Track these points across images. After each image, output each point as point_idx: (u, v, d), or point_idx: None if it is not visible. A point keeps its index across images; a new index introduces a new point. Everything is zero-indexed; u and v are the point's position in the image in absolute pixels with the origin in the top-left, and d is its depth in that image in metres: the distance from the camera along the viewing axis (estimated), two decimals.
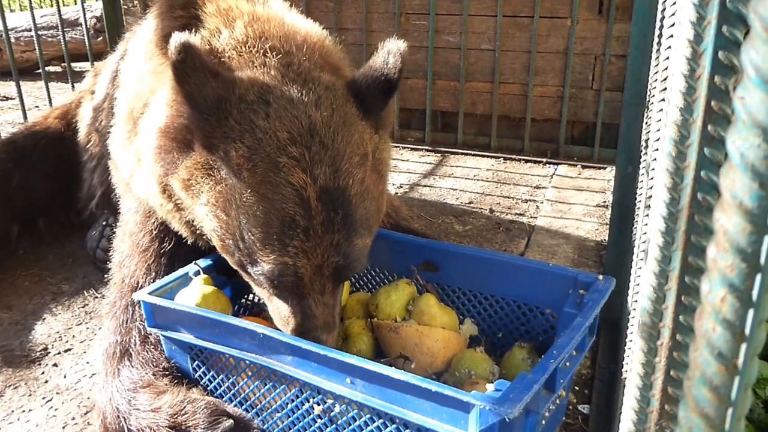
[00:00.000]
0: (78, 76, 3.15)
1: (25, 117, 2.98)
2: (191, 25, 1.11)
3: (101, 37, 4.10)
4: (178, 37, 0.91)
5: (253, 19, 1.08)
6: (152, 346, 1.19)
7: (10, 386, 1.42)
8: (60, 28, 3.17)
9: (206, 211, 1.02)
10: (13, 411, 1.33)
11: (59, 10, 3.23)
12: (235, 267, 1.05)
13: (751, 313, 0.34)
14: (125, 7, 3.18)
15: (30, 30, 4.26)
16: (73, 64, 3.48)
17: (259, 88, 0.98)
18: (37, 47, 3.07)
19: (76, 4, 5.26)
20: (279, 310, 1.04)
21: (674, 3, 0.74)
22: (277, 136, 0.94)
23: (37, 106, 3.77)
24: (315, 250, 0.95)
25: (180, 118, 1.01)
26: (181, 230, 1.18)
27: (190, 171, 1.01)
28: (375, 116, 1.06)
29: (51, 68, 4.72)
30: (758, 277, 0.33)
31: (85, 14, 3.30)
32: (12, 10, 6.38)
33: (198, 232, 1.12)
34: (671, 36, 0.78)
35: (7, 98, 4.12)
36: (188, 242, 1.21)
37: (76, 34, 4.56)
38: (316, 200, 0.93)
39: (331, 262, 0.96)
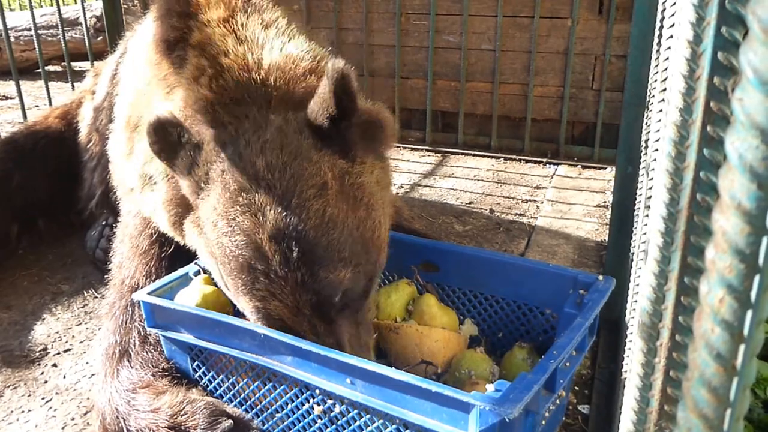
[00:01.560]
0: (78, 75, 3.15)
1: (25, 116, 2.98)
2: (182, 44, 1.13)
3: (101, 37, 4.10)
4: (152, 120, 0.99)
5: (217, 73, 1.06)
6: (152, 347, 1.19)
7: (9, 386, 1.42)
8: (60, 27, 3.17)
9: (205, 262, 1.10)
10: (12, 411, 1.33)
11: (59, 10, 3.23)
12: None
13: (749, 314, 0.34)
14: (125, 6, 3.18)
15: (30, 29, 4.26)
16: (73, 64, 3.48)
17: (218, 146, 1.02)
18: (36, 47, 3.07)
19: (76, 3, 5.27)
20: None
21: (674, 3, 0.74)
22: (229, 189, 0.98)
23: (36, 106, 3.76)
24: (282, 291, 0.95)
25: (178, 187, 1.09)
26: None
27: (189, 228, 1.09)
28: (341, 141, 1.01)
29: (51, 68, 4.71)
30: (756, 278, 0.33)
31: (85, 13, 3.30)
32: (12, 10, 6.39)
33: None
34: (671, 36, 0.78)
35: (7, 98, 4.12)
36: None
37: (76, 34, 4.56)
38: (269, 242, 0.94)
39: (305, 301, 0.95)
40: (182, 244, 1.20)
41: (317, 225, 0.95)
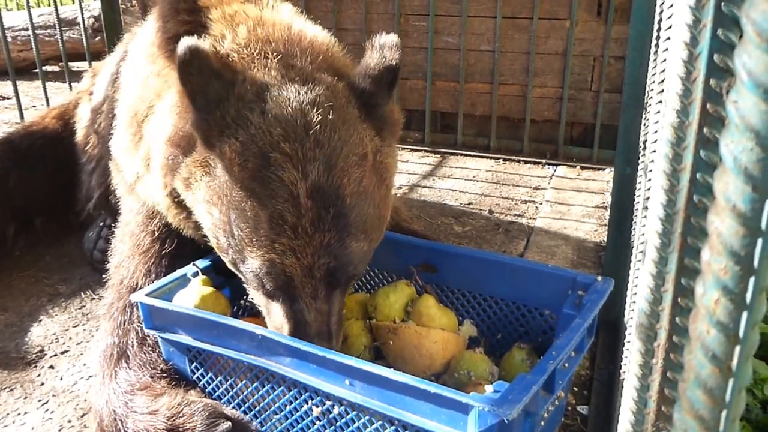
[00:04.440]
0: (75, 76, 3.14)
1: (22, 117, 2.97)
2: (196, 31, 1.11)
3: (99, 37, 4.09)
4: (186, 41, 0.93)
5: (257, 23, 1.08)
6: (150, 348, 1.19)
7: (5, 388, 1.41)
8: (57, 27, 3.16)
9: (202, 208, 1.03)
10: (8, 414, 1.33)
11: (57, 10, 3.22)
12: (230, 267, 1.04)
13: (744, 315, 0.34)
14: (123, 6, 3.17)
15: (27, 29, 4.25)
16: (70, 64, 3.47)
17: (258, 87, 0.98)
18: (34, 47, 3.06)
19: (73, 3, 5.25)
20: (272, 316, 1.03)
21: (671, 5, 0.74)
22: (271, 132, 0.94)
23: (34, 106, 3.75)
24: (304, 249, 0.93)
25: (184, 124, 1.03)
26: (191, 233, 1.18)
27: (189, 169, 1.03)
28: (377, 118, 1.05)
29: (48, 68, 4.70)
30: (751, 280, 0.33)
31: (83, 14, 3.29)
32: (9, 9, 6.37)
33: (202, 233, 1.12)
34: (668, 38, 0.79)
35: (4, 98, 4.11)
36: (192, 244, 1.21)
37: (73, 34, 4.55)
38: (307, 197, 0.92)
39: (322, 264, 0.94)
40: (185, 240, 1.18)
41: (354, 192, 0.96)
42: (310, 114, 0.96)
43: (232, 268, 1.04)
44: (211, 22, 1.11)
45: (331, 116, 0.97)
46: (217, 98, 0.96)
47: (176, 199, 1.10)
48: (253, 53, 1.03)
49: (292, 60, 1.03)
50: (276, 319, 1.02)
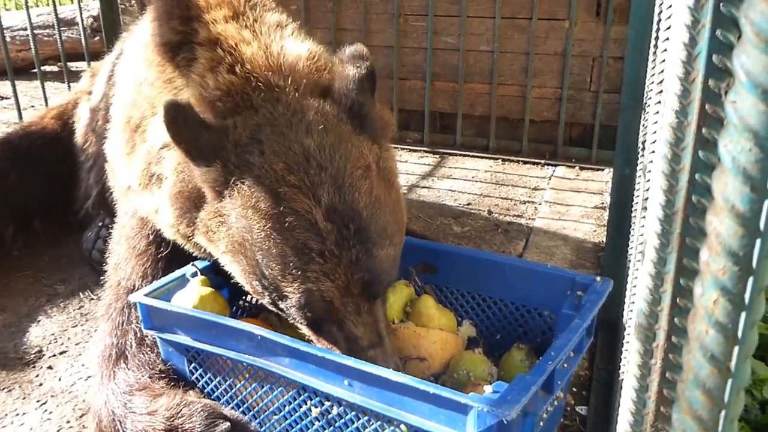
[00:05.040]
0: (74, 75, 3.14)
1: (21, 117, 2.97)
2: (187, 46, 1.12)
3: (98, 37, 4.08)
4: (167, 103, 0.95)
5: (237, 59, 1.06)
6: (148, 349, 1.19)
7: (3, 389, 1.41)
8: (56, 27, 3.15)
9: (228, 258, 1.04)
10: (6, 414, 1.32)
11: (55, 9, 3.22)
12: (271, 308, 1.05)
13: (743, 315, 0.34)
14: (122, 6, 3.17)
15: (26, 29, 4.24)
16: (69, 64, 3.47)
17: (251, 129, 0.99)
18: (33, 46, 3.06)
19: (72, 3, 5.25)
20: (323, 344, 1.01)
21: (670, 6, 0.74)
22: (274, 169, 0.96)
23: (32, 106, 3.75)
24: (336, 271, 0.94)
25: (189, 177, 1.05)
26: (196, 252, 1.19)
27: (206, 223, 1.05)
28: (370, 126, 1.06)
29: (47, 68, 4.69)
30: (750, 280, 0.33)
31: (81, 13, 3.29)
32: (8, 9, 6.36)
33: (205, 250, 1.14)
34: (667, 39, 0.79)
35: (3, 98, 4.10)
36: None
37: (72, 34, 4.55)
38: (324, 221, 0.93)
39: (357, 280, 0.95)
40: (181, 246, 1.19)
41: (368, 204, 0.97)
42: (306, 141, 0.97)
43: (274, 309, 1.04)
44: (198, 49, 1.10)
45: (326, 138, 0.98)
46: (212, 149, 0.98)
47: (189, 240, 1.13)
48: (236, 96, 1.03)
49: (277, 93, 1.02)
50: (327, 344, 1.01)
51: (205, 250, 1.14)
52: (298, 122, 0.99)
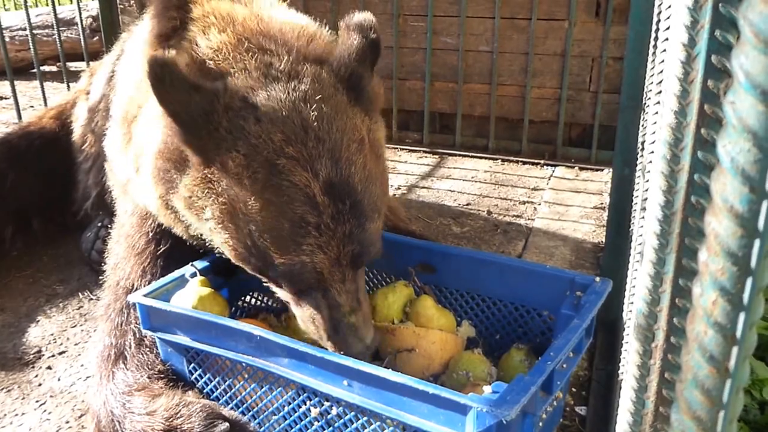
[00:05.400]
0: (73, 75, 3.13)
1: (20, 117, 2.96)
2: (181, 29, 1.11)
3: (97, 37, 4.08)
4: (153, 56, 0.89)
5: (229, 22, 1.05)
6: (147, 349, 1.19)
7: (2, 389, 1.40)
8: (55, 27, 3.15)
9: (213, 225, 1.01)
10: (5, 415, 1.32)
11: (54, 9, 3.21)
12: (252, 273, 1.05)
13: (742, 316, 0.34)
14: (121, 6, 3.17)
15: (25, 29, 4.24)
16: (68, 64, 3.46)
17: (244, 93, 0.96)
18: (32, 46, 3.06)
19: (71, 3, 5.24)
20: (303, 308, 1.03)
21: (669, 6, 0.74)
22: (272, 138, 0.94)
23: (32, 106, 3.74)
24: (329, 244, 0.95)
25: (173, 139, 1.00)
26: (183, 234, 1.18)
27: (190, 189, 1.01)
28: (365, 98, 1.05)
29: (46, 68, 4.68)
30: (749, 281, 0.33)
31: (80, 13, 3.29)
32: (6, 9, 6.35)
33: (207, 244, 1.12)
34: (666, 39, 0.79)
35: (2, 98, 4.10)
36: (187, 244, 1.20)
37: (71, 34, 4.54)
38: (322, 195, 0.93)
39: (347, 252, 0.96)
40: (162, 221, 1.17)
41: (362, 179, 0.98)
42: (304, 111, 0.95)
43: (257, 275, 1.04)
44: (191, 22, 1.09)
45: (324, 109, 0.97)
46: (202, 112, 0.93)
47: (169, 207, 1.10)
48: (229, 56, 1.00)
49: (270, 57, 1.00)
50: (308, 309, 1.02)
51: (177, 217, 1.09)
52: (294, 89, 0.96)
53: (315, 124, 0.95)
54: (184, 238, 1.19)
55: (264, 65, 0.99)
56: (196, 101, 0.93)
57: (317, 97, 0.97)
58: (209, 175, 0.98)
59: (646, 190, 0.87)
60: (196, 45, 1.03)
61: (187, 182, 1.01)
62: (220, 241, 1.03)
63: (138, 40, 1.35)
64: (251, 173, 0.94)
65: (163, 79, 0.90)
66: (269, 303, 1.35)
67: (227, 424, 1.02)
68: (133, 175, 1.19)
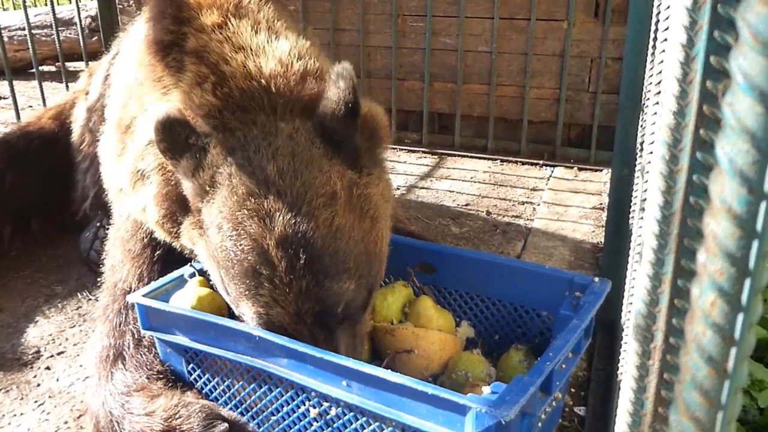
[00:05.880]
0: (72, 75, 3.13)
1: (18, 117, 2.96)
2: (177, 48, 1.13)
3: (96, 37, 4.07)
4: (161, 116, 0.98)
5: (220, 79, 1.06)
6: (146, 349, 1.18)
7: (1, 390, 1.40)
8: (54, 27, 3.15)
9: (206, 265, 1.09)
10: (4, 415, 1.32)
11: (53, 9, 3.21)
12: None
13: (740, 317, 0.34)
14: (120, 6, 3.16)
15: (24, 29, 4.23)
16: (67, 64, 3.46)
17: (226, 151, 1.01)
18: (30, 46, 3.05)
19: (70, 3, 5.23)
20: None
21: (668, 7, 0.74)
22: (237, 192, 0.98)
23: (30, 106, 3.74)
24: (285, 298, 0.95)
25: (175, 183, 1.08)
26: (186, 252, 1.21)
27: (189, 232, 1.09)
28: (350, 150, 1.03)
29: (45, 68, 4.68)
30: (747, 282, 0.33)
31: (79, 13, 3.29)
32: (5, 9, 6.34)
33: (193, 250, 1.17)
34: (665, 39, 0.79)
35: (1, 98, 4.09)
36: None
37: (70, 34, 4.53)
38: (276, 248, 0.94)
39: (308, 309, 0.95)
40: (171, 243, 1.19)
41: (325, 234, 0.96)
42: (269, 167, 0.97)
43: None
44: (185, 58, 1.11)
45: (291, 164, 0.98)
46: (193, 166, 1.01)
47: (170, 233, 1.14)
48: (217, 118, 1.04)
49: (253, 115, 1.03)
50: None
51: (192, 250, 1.16)
52: (266, 147, 0.99)
53: (277, 178, 0.97)
54: (185, 254, 1.21)
55: (247, 125, 1.02)
56: (188, 156, 1.01)
57: (286, 152, 0.99)
58: (200, 222, 1.05)
59: (645, 190, 0.87)
60: (192, 98, 1.07)
61: (187, 224, 1.08)
62: (214, 280, 1.10)
63: (133, 41, 1.35)
64: (219, 223, 0.99)
65: (165, 138, 0.99)
66: None
67: (226, 424, 1.02)
68: (128, 189, 1.20)
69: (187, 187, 1.04)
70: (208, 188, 1.01)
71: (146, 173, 1.14)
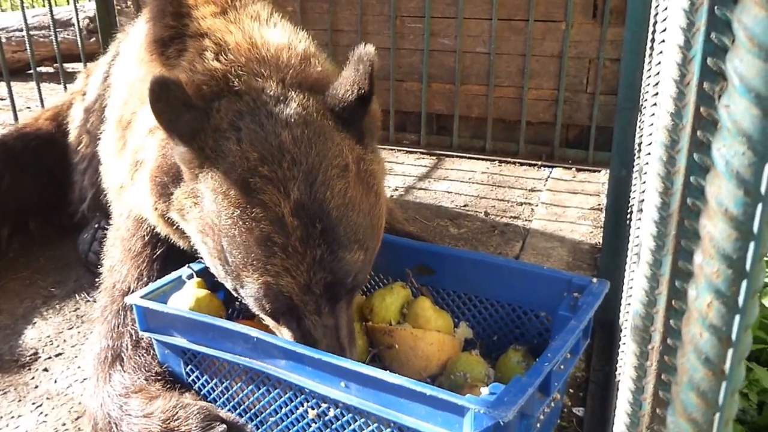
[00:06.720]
0: (70, 77, 3.12)
1: (16, 118, 2.95)
2: (178, 39, 1.12)
3: (94, 38, 4.07)
4: (156, 76, 0.94)
5: (223, 48, 1.06)
6: (144, 351, 1.18)
7: None
8: (52, 28, 3.14)
9: (198, 238, 1.05)
10: (2, 417, 1.32)
11: (51, 10, 3.20)
12: (233, 293, 1.05)
13: (737, 318, 0.34)
14: (118, 7, 3.16)
15: (21, 30, 4.22)
16: (65, 65, 3.45)
17: (232, 116, 0.99)
18: (28, 47, 3.05)
19: (68, 4, 5.22)
20: (283, 337, 1.01)
21: (665, 8, 0.75)
22: (248, 158, 0.95)
23: (28, 107, 3.73)
24: (298, 268, 0.93)
25: (169, 154, 1.04)
26: (182, 245, 1.19)
27: (180, 201, 1.05)
28: (357, 127, 1.05)
29: (43, 69, 4.66)
30: (744, 283, 0.33)
31: (77, 15, 3.27)
32: (3, 10, 6.32)
33: (191, 243, 1.14)
34: (663, 41, 0.79)
35: None
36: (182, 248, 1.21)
37: (68, 35, 4.52)
38: (291, 216, 0.92)
39: (319, 279, 0.94)
40: (170, 239, 1.18)
41: (339, 204, 0.95)
42: (283, 134, 0.96)
43: (235, 294, 1.04)
44: (188, 40, 1.11)
45: (305, 132, 0.97)
46: (192, 130, 0.97)
47: (167, 220, 1.12)
48: (221, 82, 1.02)
49: (262, 81, 1.02)
50: (288, 333, 1.01)
51: (177, 227, 1.12)
52: (278, 113, 0.97)
53: (293, 146, 0.95)
54: (182, 247, 1.19)
55: (255, 90, 1.01)
56: (187, 119, 0.97)
57: (300, 121, 0.98)
58: (195, 190, 1.01)
59: (643, 191, 0.88)
60: (193, 68, 1.05)
61: (179, 194, 1.04)
62: (204, 255, 1.05)
63: (133, 42, 1.35)
64: (225, 190, 0.96)
65: (161, 97, 0.94)
66: None
67: (225, 425, 1.02)
68: (128, 182, 1.19)
69: (182, 154, 0.99)
70: (209, 152, 0.96)
71: (145, 161, 1.12)
